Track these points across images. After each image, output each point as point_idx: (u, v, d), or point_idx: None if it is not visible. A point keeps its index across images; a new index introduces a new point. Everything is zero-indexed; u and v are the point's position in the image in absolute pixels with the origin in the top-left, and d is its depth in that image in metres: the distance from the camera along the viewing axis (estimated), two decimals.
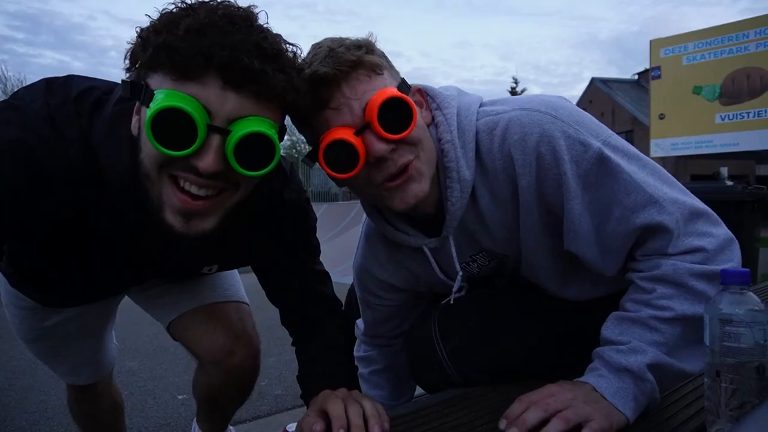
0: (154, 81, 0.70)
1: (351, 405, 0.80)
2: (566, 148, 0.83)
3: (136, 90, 0.71)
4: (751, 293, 0.68)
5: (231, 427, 1.52)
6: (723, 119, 10.34)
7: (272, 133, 0.72)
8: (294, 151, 28.18)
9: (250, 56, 0.67)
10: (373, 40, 0.86)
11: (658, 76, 11.24)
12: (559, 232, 0.89)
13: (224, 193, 0.75)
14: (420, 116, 0.85)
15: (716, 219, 0.87)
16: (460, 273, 0.99)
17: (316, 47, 0.84)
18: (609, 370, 0.80)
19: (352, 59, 0.80)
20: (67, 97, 0.79)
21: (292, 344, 1.10)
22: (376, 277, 1.10)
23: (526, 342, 1.03)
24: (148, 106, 0.68)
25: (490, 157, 0.88)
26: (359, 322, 1.27)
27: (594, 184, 0.84)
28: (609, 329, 0.85)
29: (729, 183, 3.89)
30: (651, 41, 11.33)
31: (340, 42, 0.83)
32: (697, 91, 10.63)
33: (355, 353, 1.28)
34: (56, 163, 0.75)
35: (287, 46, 0.75)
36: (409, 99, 0.81)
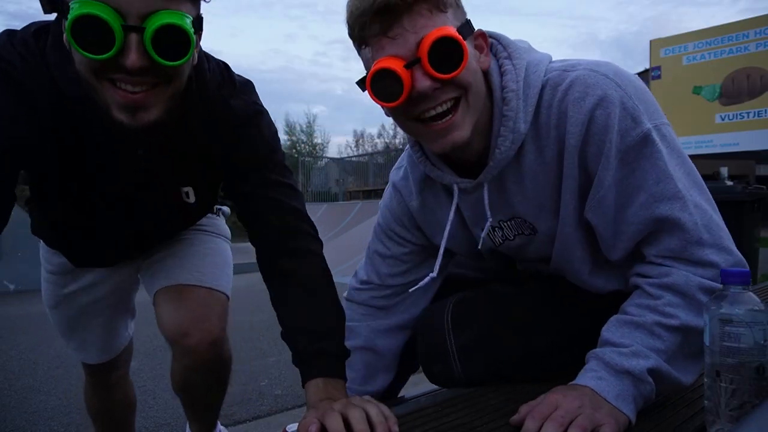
0: None
1: (352, 412, 0.78)
2: (619, 118, 0.83)
3: (55, 5, 0.77)
4: (751, 293, 0.68)
5: (222, 427, 1.51)
6: (723, 119, 10.33)
7: (184, 22, 0.77)
8: (294, 150, 28.22)
9: None
10: None
11: (658, 76, 11.23)
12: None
13: (158, 87, 0.82)
14: (474, 61, 0.86)
15: (730, 237, 0.86)
16: (490, 219, 0.97)
17: None
18: (609, 372, 0.79)
19: None
20: (27, 35, 0.86)
21: (261, 272, 1.04)
22: (405, 202, 1.09)
23: (535, 349, 1.03)
24: (66, 18, 0.74)
25: (548, 112, 0.88)
26: (351, 279, 1.22)
27: (630, 163, 0.84)
28: (610, 331, 0.84)
29: (729, 183, 3.89)
30: (651, 41, 11.32)
31: None
32: (697, 91, 10.62)
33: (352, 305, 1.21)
34: (37, 84, 0.83)
35: None
36: (464, 42, 0.80)
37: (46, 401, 2.53)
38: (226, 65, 1.04)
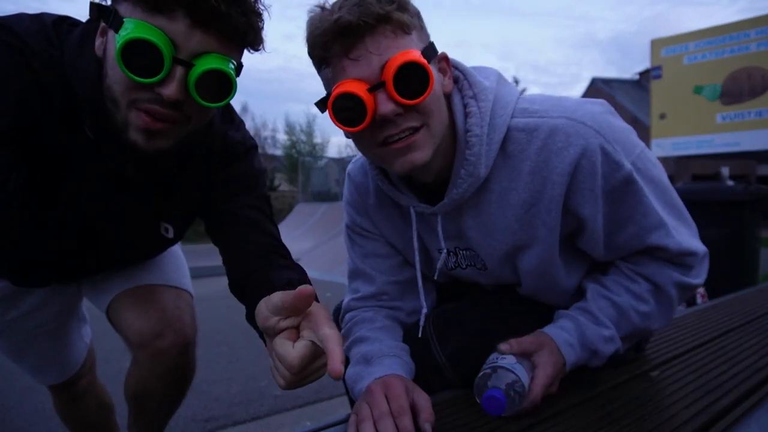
0: (124, 8, 0.75)
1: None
2: (602, 164, 0.86)
3: (103, 13, 0.77)
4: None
5: None
6: (724, 119, 10.33)
7: (231, 70, 0.78)
8: (294, 150, 28.22)
9: None
10: None
11: (659, 76, 11.23)
12: (569, 237, 0.96)
13: (182, 123, 0.81)
14: (439, 85, 0.84)
15: (697, 235, 0.98)
16: (444, 249, 0.98)
17: None
18: (582, 343, 0.92)
19: (380, 12, 0.77)
20: (48, 27, 0.84)
21: (233, 293, 0.98)
22: (363, 199, 1.07)
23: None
24: (117, 32, 0.74)
25: (521, 156, 0.88)
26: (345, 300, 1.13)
27: (617, 200, 0.89)
28: (593, 301, 0.96)
29: (730, 183, 3.88)
30: (652, 41, 11.33)
31: None
32: (697, 90, 10.63)
33: (344, 326, 1.08)
34: (51, 79, 0.81)
35: None
36: (430, 68, 0.79)
37: (45, 401, 2.53)
38: None
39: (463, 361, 1.02)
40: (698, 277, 0.96)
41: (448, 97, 0.89)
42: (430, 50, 0.84)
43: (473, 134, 0.87)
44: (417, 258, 1.01)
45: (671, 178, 1.08)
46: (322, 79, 0.86)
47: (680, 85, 10.76)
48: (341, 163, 19.74)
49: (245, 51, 0.83)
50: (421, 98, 0.79)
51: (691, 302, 3.04)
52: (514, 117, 0.89)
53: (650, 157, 0.94)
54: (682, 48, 10.82)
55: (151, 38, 0.71)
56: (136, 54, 0.71)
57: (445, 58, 0.89)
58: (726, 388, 0.96)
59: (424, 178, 0.93)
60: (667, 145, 11.18)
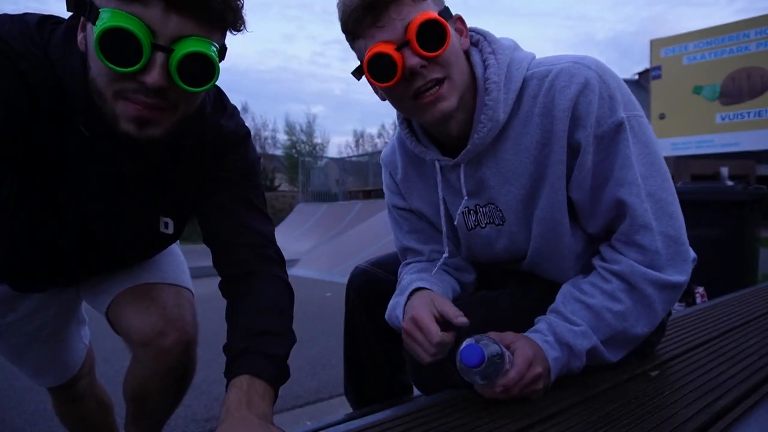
0: None
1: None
2: (598, 105, 0.92)
3: (80, 6, 0.76)
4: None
5: None
6: (723, 119, 10.33)
7: (212, 52, 0.76)
8: (294, 150, 28.21)
9: None
10: None
11: (659, 76, 11.23)
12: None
13: (170, 109, 0.81)
14: (456, 41, 0.95)
15: (682, 228, 0.96)
16: (466, 197, 1.05)
17: None
18: (556, 340, 0.94)
19: None
20: (31, 27, 0.84)
21: (223, 296, 1.03)
22: (392, 176, 1.21)
23: None
24: (94, 24, 0.73)
25: (533, 102, 0.97)
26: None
27: (605, 148, 0.93)
28: (564, 304, 0.98)
29: (729, 183, 3.89)
30: (651, 41, 11.33)
31: None
32: (697, 90, 10.62)
33: (400, 275, 1.20)
34: (39, 80, 0.80)
35: None
36: (446, 23, 0.90)
37: (46, 401, 2.52)
38: (218, 87, 1.04)
39: None
40: (677, 274, 0.94)
41: (467, 54, 1.00)
42: (445, 12, 0.95)
43: (491, 81, 0.97)
44: (441, 206, 1.10)
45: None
46: (356, 51, 0.97)
47: (679, 86, 10.76)
48: (341, 163, 19.74)
49: (228, 33, 0.82)
50: (441, 50, 0.89)
51: (691, 302, 3.04)
52: (529, 70, 0.99)
53: (649, 128, 0.97)
54: (681, 48, 10.82)
55: (126, 26, 0.70)
56: (114, 43, 0.71)
57: (460, 18, 1.00)
58: (726, 388, 0.96)
59: (450, 130, 1.00)
60: (666, 145, 11.17)
